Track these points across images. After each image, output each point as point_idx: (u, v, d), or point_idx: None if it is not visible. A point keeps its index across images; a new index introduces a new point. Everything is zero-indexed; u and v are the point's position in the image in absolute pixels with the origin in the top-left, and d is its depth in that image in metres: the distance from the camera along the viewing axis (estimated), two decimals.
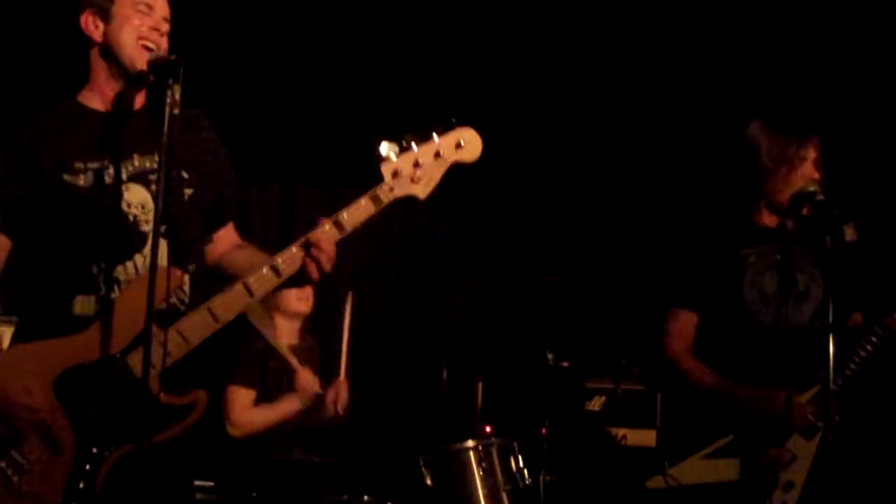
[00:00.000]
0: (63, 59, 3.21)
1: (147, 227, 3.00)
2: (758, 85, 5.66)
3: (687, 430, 3.93)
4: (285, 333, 5.14)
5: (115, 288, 2.97)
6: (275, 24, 5.61)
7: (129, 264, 3.00)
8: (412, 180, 3.06)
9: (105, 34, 3.07)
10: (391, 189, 3.05)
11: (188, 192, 3.11)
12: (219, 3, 5.36)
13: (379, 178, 3.03)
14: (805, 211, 3.81)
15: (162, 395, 2.87)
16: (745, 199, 3.94)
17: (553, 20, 5.80)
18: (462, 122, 3.16)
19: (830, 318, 3.48)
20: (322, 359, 5.32)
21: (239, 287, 2.96)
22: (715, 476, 3.74)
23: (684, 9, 5.66)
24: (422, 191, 3.08)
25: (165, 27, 3.09)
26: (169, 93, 2.78)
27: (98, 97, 3.10)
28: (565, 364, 5.44)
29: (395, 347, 6.36)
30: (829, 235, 3.57)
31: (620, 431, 5.64)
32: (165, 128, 2.75)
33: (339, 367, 5.06)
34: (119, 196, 3.00)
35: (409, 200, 3.08)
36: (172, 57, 2.85)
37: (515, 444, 4.58)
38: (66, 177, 2.98)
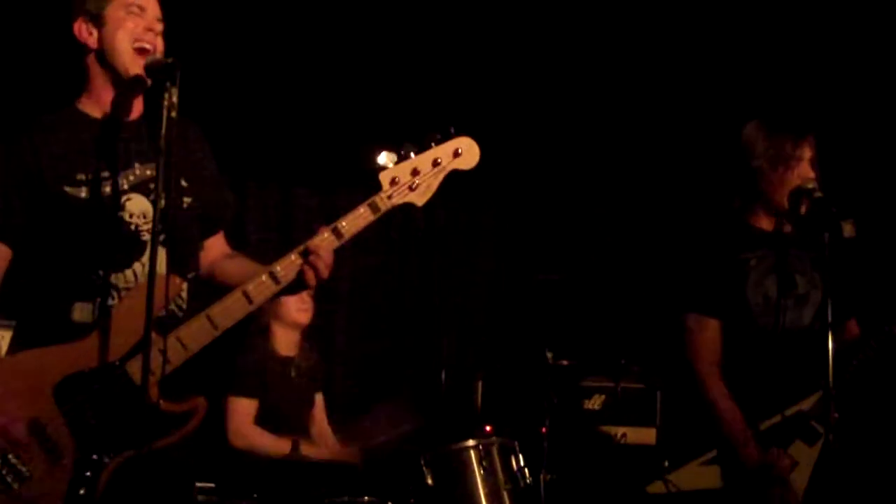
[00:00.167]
0: (62, 65, 3.19)
1: (147, 236, 3.00)
2: (753, 85, 5.66)
3: (688, 432, 3.93)
4: (284, 344, 5.12)
5: (115, 295, 2.98)
6: (273, 28, 5.61)
7: (129, 272, 3.01)
8: (410, 188, 3.08)
9: (99, 40, 3.06)
10: (389, 197, 3.07)
11: (187, 200, 3.11)
12: (217, 7, 5.35)
13: (377, 186, 3.05)
14: (803, 208, 3.81)
15: (161, 401, 2.87)
16: (741, 200, 3.94)
17: (553, 20, 5.79)
18: (462, 120, 3.18)
19: (829, 317, 3.48)
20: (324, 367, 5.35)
21: (238, 294, 2.96)
22: (713, 482, 3.74)
23: (681, 14, 5.66)
24: (419, 198, 3.10)
25: (159, 27, 3.09)
26: (166, 95, 2.78)
27: (96, 104, 3.10)
28: (565, 363, 5.44)
29: (396, 348, 6.37)
30: (828, 232, 3.57)
31: (620, 430, 5.63)
32: (163, 130, 2.75)
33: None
34: (120, 206, 3.01)
35: (408, 207, 3.10)
36: (169, 60, 2.85)
37: (516, 442, 4.58)
38: (67, 188, 2.98)
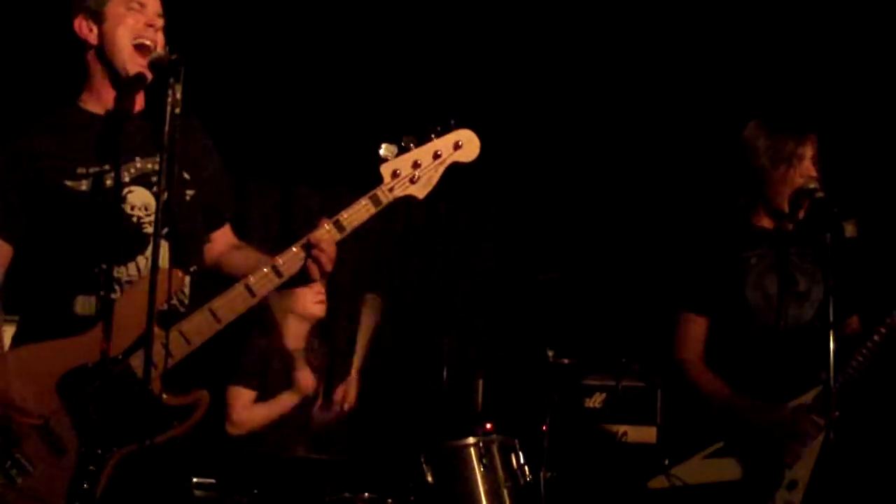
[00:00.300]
0: (63, 63, 3.19)
1: (150, 229, 3.01)
2: (755, 83, 5.66)
3: (688, 428, 3.94)
4: (293, 337, 5.13)
5: (117, 289, 2.98)
6: (274, 24, 5.61)
7: (132, 265, 3.01)
8: (411, 180, 3.09)
9: (100, 37, 3.06)
10: (390, 189, 3.07)
11: (189, 193, 3.12)
12: (218, 4, 5.36)
13: (378, 179, 3.05)
14: (805, 208, 3.82)
15: (164, 395, 2.87)
16: (742, 199, 3.94)
17: (554, 19, 5.79)
18: (462, 121, 3.19)
19: (831, 316, 3.48)
20: (330, 360, 5.33)
21: (240, 288, 2.97)
22: (717, 476, 3.74)
23: (682, 12, 5.66)
24: (420, 191, 3.11)
25: (160, 22, 3.09)
26: (170, 92, 2.78)
27: (97, 100, 3.10)
28: (565, 361, 5.44)
29: (397, 347, 6.37)
30: (830, 232, 3.58)
31: (621, 428, 5.63)
32: (167, 126, 2.75)
33: (351, 365, 5.05)
34: (122, 199, 3.01)
35: (409, 200, 3.11)
36: (174, 57, 2.85)
37: (516, 440, 4.58)
38: (68, 182, 2.99)
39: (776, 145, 3.84)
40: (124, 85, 3.06)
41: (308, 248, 2.99)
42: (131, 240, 3.02)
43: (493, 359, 6.15)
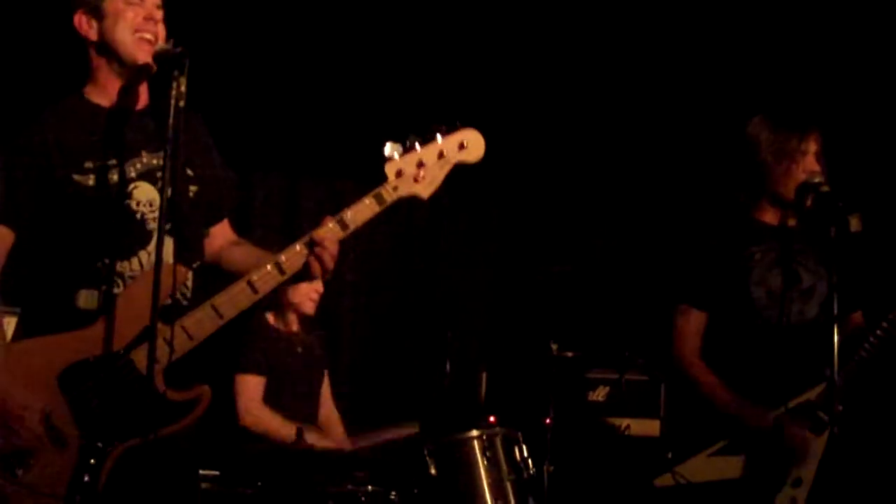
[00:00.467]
0: (67, 53, 3.18)
1: (154, 225, 3.00)
2: (758, 79, 5.64)
3: (692, 423, 3.93)
4: (285, 322, 5.14)
5: (120, 283, 2.98)
6: (280, 17, 5.60)
7: (135, 260, 3.01)
8: (415, 180, 3.08)
9: (100, 32, 3.05)
10: (395, 188, 3.07)
11: (193, 189, 3.12)
12: None
13: (383, 177, 3.04)
14: (809, 202, 3.81)
15: (166, 390, 2.88)
16: (746, 195, 3.93)
17: (560, 15, 5.78)
18: (466, 115, 3.18)
19: (835, 310, 3.48)
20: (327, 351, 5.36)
21: (243, 285, 2.97)
22: (722, 473, 3.74)
23: (684, 7, 5.64)
24: (425, 190, 3.10)
25: (159, 14, 3.07)
26: (174, 85, 2.78)
27: (102, 92, 3.10)
28: (569, 354, 5.43)
29: (400, 340, 6.37)
30: (834, 226, 3.56)
31: (624, 421, 5.63)
32: (171, 119, 2.75)
33: None
34: (127, 194, 3.01)
35: (413, 199, 3.10)
36: (178, 49, 2.85)
37: (519, 433, 4.58)
38: (75, 176, 2.99)
39: (779, 141, 3.83)
40: (131, 76, 3.05)
41: (311, 245, 2.98)
42: (135, 234, 3.01)
43: (497, 352, 6.15)
